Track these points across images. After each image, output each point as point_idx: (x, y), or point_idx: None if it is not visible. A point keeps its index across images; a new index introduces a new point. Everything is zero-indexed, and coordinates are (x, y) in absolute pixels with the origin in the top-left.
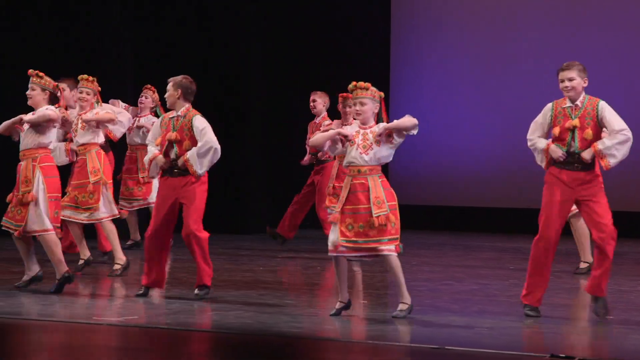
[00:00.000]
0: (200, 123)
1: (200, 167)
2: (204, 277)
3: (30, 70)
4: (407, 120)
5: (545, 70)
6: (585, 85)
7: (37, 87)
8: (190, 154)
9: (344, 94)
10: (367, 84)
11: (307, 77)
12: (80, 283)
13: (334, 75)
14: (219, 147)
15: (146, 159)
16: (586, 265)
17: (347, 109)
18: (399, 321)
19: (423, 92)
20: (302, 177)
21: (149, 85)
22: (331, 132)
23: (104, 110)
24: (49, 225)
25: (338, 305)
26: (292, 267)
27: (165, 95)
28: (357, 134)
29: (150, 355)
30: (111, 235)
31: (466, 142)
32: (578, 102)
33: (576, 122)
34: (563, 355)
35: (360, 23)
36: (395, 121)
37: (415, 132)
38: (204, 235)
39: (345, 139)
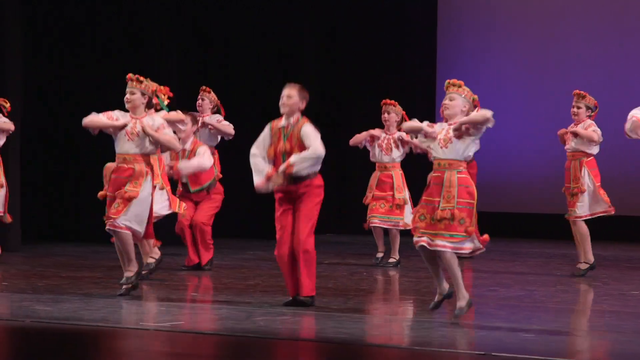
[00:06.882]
0: (309, 130)
1: (299, 171)
2: (307, 291)
3: (130, 75)
4: (478, 114)
5: (595, 76)
6: None
7: (137, 92)
8: (294, 159)
9: (386, 101)
10: (461, 82)
11: (354, 84)
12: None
13: (379, 80)
14: (322, 155)
15: (257, 178)
16: (587, 265)
17: (385, 116)
18: (444, 327)
19: None
20: (353, 182)
21: (204, 87)
22: (422, 124)
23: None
24: (142, 229)
25: (437, 298)
26: (339, 272)
27: (288, 102)
28: (441, 131)
29: None
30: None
31: (514, 148)
32: None
33: None
34: None
35: (407, 27)
36: (469, 116)
37: (489, 125)
38: (313, 249)
39: (430, 135)
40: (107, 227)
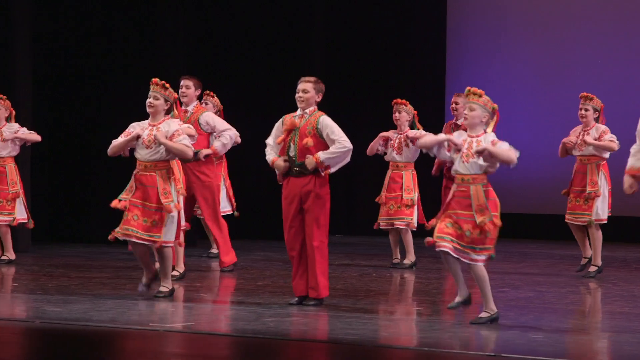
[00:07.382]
0: (330, 122)
1: (334, 167)
2: (322, 289)
3: (157, 80)
4: (506, 154)
5: (604, 78)
6: None
7: (161, 98)
8: (324, 157)
9: (397, 100)
10: (481, 91)
11: (364, 85)
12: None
13: (390, 81)
14: (351, 147)
15: (269, 160)
16: (595, 269)
17: (396, 115)
18: (453, 328)
19: None
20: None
21: (207, 91)
22: (441, 136)
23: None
24: (173, 238)
25: (457, 299)
26: (348, 273)
27: (304, 96)
28: (464, 142)
29: None
30: None
31: (522, 149)
32: None
33: None
34: None
35: (416, 29)
36: (497, 148)
37: (510, 166)
38: (325, 245)
39: (454, 146)
40: (157, 245)
